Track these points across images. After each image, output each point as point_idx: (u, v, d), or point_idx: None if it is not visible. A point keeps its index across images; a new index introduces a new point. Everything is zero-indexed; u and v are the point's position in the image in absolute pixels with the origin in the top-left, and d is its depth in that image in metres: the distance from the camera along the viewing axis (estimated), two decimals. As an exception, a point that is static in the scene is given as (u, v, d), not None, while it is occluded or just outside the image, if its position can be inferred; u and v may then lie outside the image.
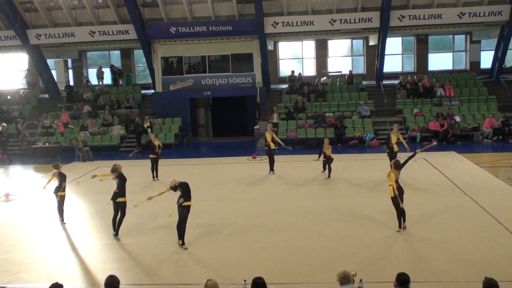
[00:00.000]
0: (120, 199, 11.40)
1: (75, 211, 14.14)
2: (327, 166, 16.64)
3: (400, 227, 11.21)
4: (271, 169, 17.60)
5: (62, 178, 12.88)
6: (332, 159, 16.56)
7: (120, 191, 11.43)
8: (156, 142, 17.38)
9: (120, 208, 11.42)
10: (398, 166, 11.20)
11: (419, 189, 14.85)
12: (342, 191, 15.04)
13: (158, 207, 13.30)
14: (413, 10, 25.77)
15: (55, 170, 13.05)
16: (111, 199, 11.51)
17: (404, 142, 16.63)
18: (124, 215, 11.50)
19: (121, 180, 11.44)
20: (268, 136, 17.43)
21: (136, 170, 18.27)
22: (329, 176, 16.53)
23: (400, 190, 11.03)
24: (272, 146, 17.41)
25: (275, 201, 14.21)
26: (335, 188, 15.52)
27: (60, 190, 12.77)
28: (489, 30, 27.24)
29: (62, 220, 12.88)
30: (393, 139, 16.20)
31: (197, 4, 26.80)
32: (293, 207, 13.50)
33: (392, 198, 11.05)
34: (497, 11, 25.26)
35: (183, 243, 10.72)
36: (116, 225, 11.48)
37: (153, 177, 17.47)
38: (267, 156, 17.86)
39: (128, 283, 8.93)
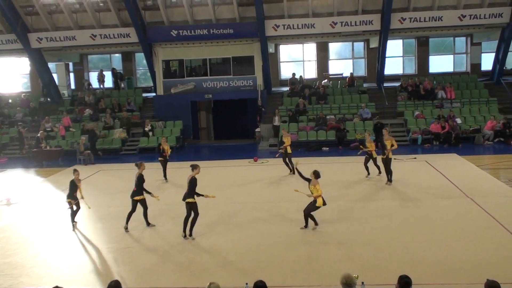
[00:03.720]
0: (137, 197, 12.14)
1: (77, 215, 14.15)
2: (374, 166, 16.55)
3: (305, 227, 11.80)
4: (291, 170, 17.63)
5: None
6: (375, 157, 16.64)
7: (138, 189, 12.12)
8: (166, 146, 17.85)
9: (141, 204, 12.26)
10: (318, 176, 11.56)
11: (420, 191, 14.83)
12: (344, 194, 15.00)
13: (159, 210, 13.32)
14: (413, 13, 25.80)
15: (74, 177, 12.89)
16: (130, 197, 12.26)
17: (395, 146, 15.78)
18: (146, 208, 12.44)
19: (139, 180, 12.13)
20: (287, 140, 17.62)
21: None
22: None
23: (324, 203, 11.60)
24: (289, 150, 17.56)
25: (277, 204, 14.21)
26: (338, 191, 15.47)
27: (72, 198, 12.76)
28: (490, 32, 27.26)
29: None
30: (388, 145, 15.59)
31: (198, 7, 26.86)
32: (295, 210, 13.48)
33: (318, 207, 11.50)
34: (497, 13, 25.28)
35: (185, 235, 11.40)
36: (145, 219, 12.49)
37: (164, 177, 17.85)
38: (282, 160, 17.98)
39: (130, 286, 8.92)
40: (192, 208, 11.24)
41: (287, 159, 17.78)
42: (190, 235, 11.38)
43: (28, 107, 29.04)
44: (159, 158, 17.99)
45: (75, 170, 13.13)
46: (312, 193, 11.55)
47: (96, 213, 14.18)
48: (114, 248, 11.18)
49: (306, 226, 11.79)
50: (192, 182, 11.15)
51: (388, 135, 16.15)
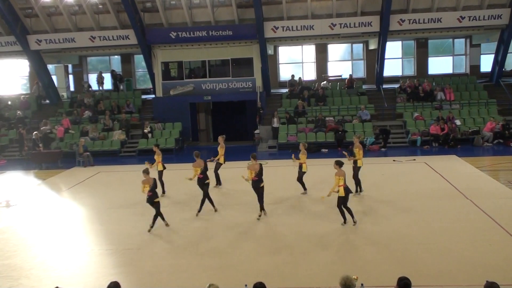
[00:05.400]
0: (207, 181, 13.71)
1: (75, 217, 14.15)
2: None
3: (345, 222, 12.02)
4: (219, 183, 17.00)
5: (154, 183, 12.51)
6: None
7: (204, 176, 13.70)
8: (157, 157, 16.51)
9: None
10: (341, 165, 11.97)
11: (420, 193, 14.83)
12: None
13: (162, 213, 13.28)
14: (412, 14, 25.82)
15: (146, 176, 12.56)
16: (197, 184, 13.71)
17: (359, 157, 14.79)
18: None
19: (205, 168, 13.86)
20: (221, 151, 16.90)
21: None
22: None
23: (348, 190, 11.95)
24: (222, 160, 16.81)
25: (276, 206, 14.19)
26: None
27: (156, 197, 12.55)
28: (489, 33, 27.27)
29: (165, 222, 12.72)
30: (357, 154, 14.80)
31: (197, 9, 26.87)
32: (294, 212, 13.49)
33: (340, 197, 11.78)
34: (496, 14, 25.31)
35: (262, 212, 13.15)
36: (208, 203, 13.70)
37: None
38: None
39: (128, 288, 8.92)
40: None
41: (218, 170, 16.77)
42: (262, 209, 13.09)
43: (28, 108, 29.04)
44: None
45: (145, 171, 12.85)
46: (338, 183, 11.80)
47: (95, 215, 14.17)
48: (114, 250, 11.17)
49: (344, 222, 12.04)
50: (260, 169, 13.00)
51: (358, 143, 15.07)
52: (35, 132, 24.53)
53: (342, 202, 11.85)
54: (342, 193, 11.72)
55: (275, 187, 16.40)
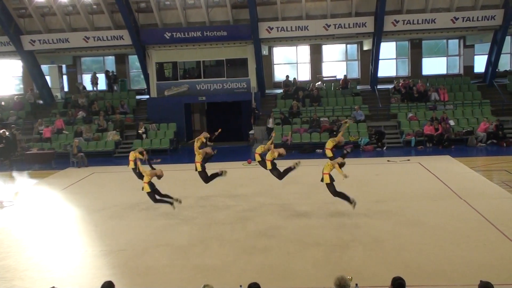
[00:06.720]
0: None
1: (69, 217, 14.10)
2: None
3: (351, 202, 12.46)
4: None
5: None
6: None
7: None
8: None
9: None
10: (342, 165, 12.53)
11: (414, 193, 14.87)
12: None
13: (157, 213, 13.30)
14: (407, 15, 25.91)
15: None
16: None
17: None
18: None
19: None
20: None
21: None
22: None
23: (332, 177, 12.49)
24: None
25: (270, 206, 14.19)
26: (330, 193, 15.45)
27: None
28: (483, 34, 27.42)
29: None
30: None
31: (192, 9, 26.86)
32: (289, 212, 13.50)
33: (328, 184, 12.36)
34: (490, 15, 25.44)
35: None
36: None
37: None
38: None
39: (123, 289, 8.89)
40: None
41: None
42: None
43: (22, 109, 28.90)
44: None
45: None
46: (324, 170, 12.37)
47: (89, 216, 14.12)
48: (108, 251, 11.13)
49: (351, 202, 12.45)
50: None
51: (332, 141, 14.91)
52: (3, 130, 24.26)
53: (333, 189, 12.32)
54: (327, 179, 12.32)
55: (270, 187, 16.45)
